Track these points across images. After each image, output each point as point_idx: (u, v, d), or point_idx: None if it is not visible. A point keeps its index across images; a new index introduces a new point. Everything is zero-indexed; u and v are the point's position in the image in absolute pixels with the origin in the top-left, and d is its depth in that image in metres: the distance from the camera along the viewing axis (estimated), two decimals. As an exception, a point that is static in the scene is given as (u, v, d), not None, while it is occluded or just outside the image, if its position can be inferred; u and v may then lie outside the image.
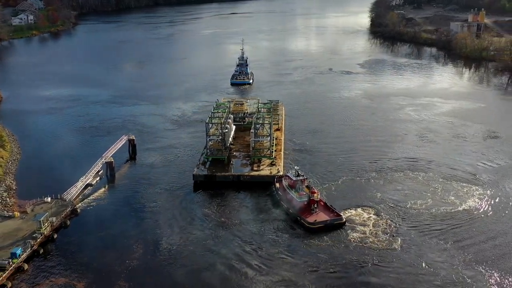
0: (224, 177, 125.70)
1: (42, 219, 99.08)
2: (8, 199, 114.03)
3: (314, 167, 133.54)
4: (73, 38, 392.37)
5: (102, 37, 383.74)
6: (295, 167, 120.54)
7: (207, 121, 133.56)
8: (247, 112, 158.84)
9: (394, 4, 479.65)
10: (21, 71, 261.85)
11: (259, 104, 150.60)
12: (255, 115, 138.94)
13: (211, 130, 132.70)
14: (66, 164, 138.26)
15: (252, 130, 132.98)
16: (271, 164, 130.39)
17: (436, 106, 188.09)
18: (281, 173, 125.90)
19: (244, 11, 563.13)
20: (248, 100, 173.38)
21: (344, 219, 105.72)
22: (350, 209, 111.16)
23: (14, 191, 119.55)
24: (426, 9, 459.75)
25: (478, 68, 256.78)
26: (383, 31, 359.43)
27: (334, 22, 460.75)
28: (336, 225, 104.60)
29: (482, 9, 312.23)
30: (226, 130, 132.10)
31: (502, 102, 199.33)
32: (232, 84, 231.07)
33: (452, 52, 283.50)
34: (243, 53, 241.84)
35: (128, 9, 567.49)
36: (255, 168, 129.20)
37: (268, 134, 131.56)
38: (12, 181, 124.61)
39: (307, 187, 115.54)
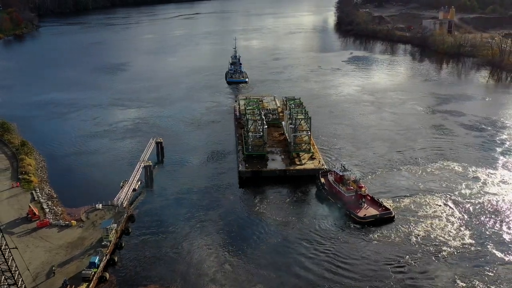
0: (271, 171, 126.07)
1: (109, 226, 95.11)
2: (55, 208, 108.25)
3: (348, 160, 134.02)
4: (41, 41, 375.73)
5: (72, 39, 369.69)
6: (341, 162, 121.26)
7: (248, 118, 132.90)
8: (270, 109, 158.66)
9: (355, 2, 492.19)
10: (3, 76, 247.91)
11: (288, 100, 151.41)
12: (292, 110, 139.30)
13: (251, 127, 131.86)
14: (94, 169, 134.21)
15: (291, 126, 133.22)
16: (311, 158, 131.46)
17: (436, 99, 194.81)
18: (325, 167, 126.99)
19: (207, 11, 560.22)
20: (265, 98, 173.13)
21: (394, 213, 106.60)
22: (397, 201, 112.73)
23: (56, 199, 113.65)
24: (387, 7, 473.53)
25: (459, 63, 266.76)
26: (355, 29, 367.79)
27: (300, 21, 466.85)
28: (386, 219, 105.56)
29: (452, 6, 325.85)
30: (266, 127, 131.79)
31: (495, 94, 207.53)
32: (229, 83, 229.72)
33: (430, 49, 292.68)
34: (236, 51, 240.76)
35: (86, 10, 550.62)
36: (297, 162, 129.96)
37: (307, 129, 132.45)
38: (50, 189, 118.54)
39: (354, 181, 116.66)
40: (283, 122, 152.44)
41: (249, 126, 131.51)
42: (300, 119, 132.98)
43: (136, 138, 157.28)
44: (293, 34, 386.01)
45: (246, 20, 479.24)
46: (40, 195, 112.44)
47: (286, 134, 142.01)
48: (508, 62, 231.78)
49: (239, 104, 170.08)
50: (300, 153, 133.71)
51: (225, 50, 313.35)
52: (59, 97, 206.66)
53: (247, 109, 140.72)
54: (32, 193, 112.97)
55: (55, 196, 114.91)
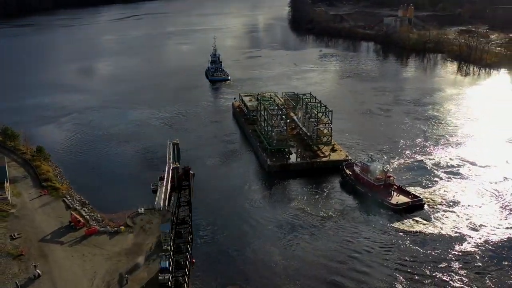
0: (298, 164, 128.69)
1: (168, 230, 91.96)
2: (93, 214, 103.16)
3: (365, 152, 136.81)
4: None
5: (31, 41, 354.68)
6: (369, 153, 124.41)
7: (270, 112, 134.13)
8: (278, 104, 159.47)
9: (308, 1, 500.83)
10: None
11: (300, 95, 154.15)
12: (309, 104, 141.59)
13: (274, 122, 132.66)
14: (114, 173, 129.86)
15: (312, 119, 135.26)
16: (333, 150, 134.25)
17: (419, 92, 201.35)
18: (349, 158, 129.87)
19: (158, 11, 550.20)
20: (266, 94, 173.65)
21: (424, 201, 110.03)
22: (423, 190, 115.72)
23: (90, 206, 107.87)
24: (339, 6, 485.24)
25: (426, 59, 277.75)
26: (317, 27, 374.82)
27: (255, 20, 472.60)
28: (417, 206, 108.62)
29: (411, 4, 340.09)
30: (289, 121, 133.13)
31: (471, 85, 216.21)
32: (211, 81, 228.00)
33: (395, 46, 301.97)
34: (215, 50, 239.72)
35: (30, 11, 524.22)
36: (321, 155, 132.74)
37: (328, 122, 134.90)
38: (79, 196, 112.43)
39: (382, 171, 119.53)
40: (294, 117, 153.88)
41: (272, 121, 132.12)
42: (321, 113, 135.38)
43: (142, 140, 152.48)
44: (255, 33, 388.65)
45: (202, 20, 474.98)
46: (73, 202, 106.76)
47: (304, 128, 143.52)
48: (476, 56, 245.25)
49: (242, 101, 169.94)
50: (320, 145, 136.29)
51: (193, 49, 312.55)
52: (44, 101, 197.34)
53: (265, 105, 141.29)
54: (64, 201, 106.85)
55: (87, 202, 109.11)
